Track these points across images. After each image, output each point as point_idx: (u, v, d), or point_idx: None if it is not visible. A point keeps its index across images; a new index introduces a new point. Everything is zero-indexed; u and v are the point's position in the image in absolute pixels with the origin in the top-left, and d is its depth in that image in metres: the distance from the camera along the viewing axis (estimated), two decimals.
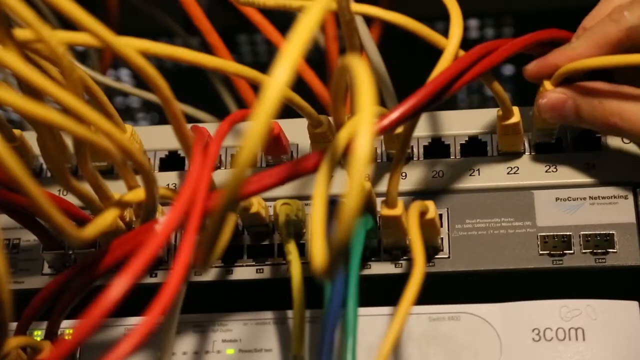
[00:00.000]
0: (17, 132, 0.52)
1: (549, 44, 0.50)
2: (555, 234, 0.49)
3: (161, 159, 0.55)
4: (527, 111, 0.52)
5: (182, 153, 0.54)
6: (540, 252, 0.49)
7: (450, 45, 0.47)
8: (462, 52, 0.48)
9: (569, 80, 0.48)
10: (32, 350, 0.46)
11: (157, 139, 0.55)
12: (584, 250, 0.49)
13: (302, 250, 0.50)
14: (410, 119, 0.44)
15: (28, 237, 0.52)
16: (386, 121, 0.43)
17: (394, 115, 0.43)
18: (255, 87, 0.54)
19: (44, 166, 0.55)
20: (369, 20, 0.52)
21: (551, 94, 0.48)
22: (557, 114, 0.48)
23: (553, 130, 0.51)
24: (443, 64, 0.47)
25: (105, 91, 0.46)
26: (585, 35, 0.47)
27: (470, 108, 0.53)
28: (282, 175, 0.40)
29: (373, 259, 0.51)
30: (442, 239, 0.50)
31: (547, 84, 0.49)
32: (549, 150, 0.52)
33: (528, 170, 0.52)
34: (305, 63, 0.69)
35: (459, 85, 0.45)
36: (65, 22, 0.37)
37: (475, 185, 0.52)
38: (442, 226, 0.50)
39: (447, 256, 0.50)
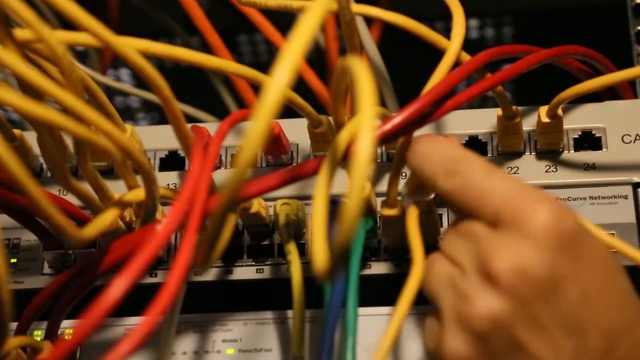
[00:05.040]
0: (17, 132, 0.52)
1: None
2: None
3: (161, 159, 0.55)
4: (527, 111, 0.53)
5: (182, 153, 0.54)
6: None
7: (453, 45, 0.47)
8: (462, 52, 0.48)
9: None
10: (32, 350, 0.46)
11: (157, 139, 0.55)
12: None
13: (302, 250, 0.50)
14: (413, 124, 0.43)
15: (28, 237, 0.52)
16: (389, 125, 0.43)
17: (397, 119, 0.43)
18: (256, 87, 0.54)
19: (44, 166, 0.55)
20: (369, 20, 0.52)
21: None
22: None
23: (559, 142, 0.51)
24: (445, 65, 0.47)
25: (105, 91, 0.46)
26: None
27: (470, 108, 0.53)
28: (283, 178, 0.41)
29: (373, 259, 0.51)
30: (442, 238, 0.50)
31: (543, 112, 0.49)
32: (549, 150, 0.52)
33: (528, 170, 0.52)
34: (305, 63, 0.69)
35: (467, 97, 0.45)
36: (65, 22, 0.37)
37: None
38: (442, 226, 0.50)
39: None
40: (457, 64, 0.47)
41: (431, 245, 0.49)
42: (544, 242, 0.38)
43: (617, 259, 0.41)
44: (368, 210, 0.47)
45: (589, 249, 0.39)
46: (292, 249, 0.47)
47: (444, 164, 0.41)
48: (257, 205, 0.49)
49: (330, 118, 0.50)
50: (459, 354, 0.39)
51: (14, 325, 0.45)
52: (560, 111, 0.50)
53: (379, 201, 0.49)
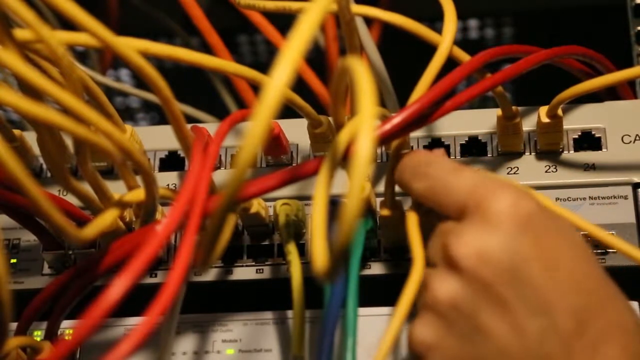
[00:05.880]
0: (17, 132, 0.52)
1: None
2: None
3: (161, 159, 0.55)
4: (527, 111, 0.53)
5: (182, 153, 0.54)
6: None
7: (445, 41, 0.47)
8: (457, 50, 0.48)
9: None
10: (32, 351, 0.46)
11: (157, 139, 0.55)
12: None
13: (302, 250, 0.50)
14: (412, 125, 0.43)
15: (28, 237, 0.52)
16: (388, 126, 0.43)
17: (397, 120, 0.43)
18: (255, 87, 0.54)
19: (44, 166, 0.55)
20: (369, 20, 0.52)
21: None
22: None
23: (559, 142, 0.51)
24: (437, 61, 0.47)
25: (105, 91, 0.46)
26: None
27: (470, 108, 0.53)
28: (282, 179, 0.41)
29: (373, 259, 0.51)
30: None
31: (543, 112, 0.49)
32: (549, 151, 0.52)
33: (528, 170, 0.52)
34: (305, 63, 0.69)
35: (467, 97, 0.45)
36: (65, 22, 0.37)
37: None
38: None
39: None
40: (453, 62, 0.48)
41: None
42: (504, 226, 0.39)
43: (586, 244, 0.41)
44: (368, 211, 0.47)
45: (554, 232, 0.39)
46: (292, 249, 0.47)
47: (415, 170, 0.43)
48: (257, 205, 0.49)
49: (330, 118, 0.50)
50: (421, 338, 0.40)
51: (14, 325, 0.45)
52: (560, 111, 0.50)
53: (378, 201, 0.49)
